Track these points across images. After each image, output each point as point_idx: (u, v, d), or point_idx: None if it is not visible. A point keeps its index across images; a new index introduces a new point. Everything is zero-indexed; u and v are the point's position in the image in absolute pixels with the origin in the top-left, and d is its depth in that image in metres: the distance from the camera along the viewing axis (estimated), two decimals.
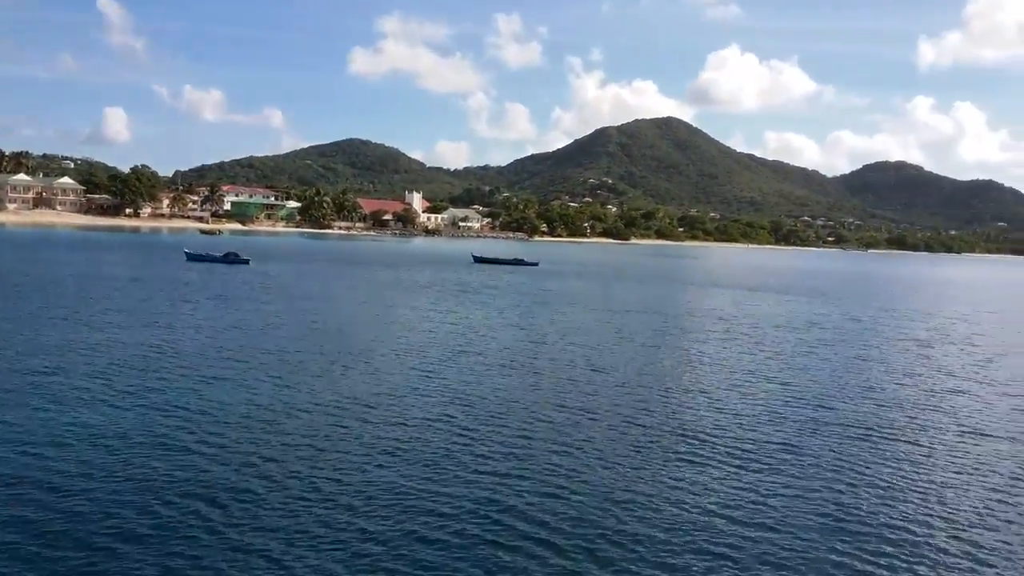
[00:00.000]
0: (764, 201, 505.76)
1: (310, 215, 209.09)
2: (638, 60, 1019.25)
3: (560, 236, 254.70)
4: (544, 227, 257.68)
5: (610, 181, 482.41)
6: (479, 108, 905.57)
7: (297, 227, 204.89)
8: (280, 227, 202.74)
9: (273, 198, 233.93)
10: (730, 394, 22.40)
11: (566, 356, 28.00)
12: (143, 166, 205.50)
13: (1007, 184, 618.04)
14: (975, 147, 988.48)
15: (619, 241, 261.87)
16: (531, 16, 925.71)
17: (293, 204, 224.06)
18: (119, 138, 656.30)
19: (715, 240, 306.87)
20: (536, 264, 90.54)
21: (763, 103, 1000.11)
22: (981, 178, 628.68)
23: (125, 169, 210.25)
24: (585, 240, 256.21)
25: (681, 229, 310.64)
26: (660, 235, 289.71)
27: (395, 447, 16.13)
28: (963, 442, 18.64)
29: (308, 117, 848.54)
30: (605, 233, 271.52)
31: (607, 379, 24.05)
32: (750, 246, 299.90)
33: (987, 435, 19.45)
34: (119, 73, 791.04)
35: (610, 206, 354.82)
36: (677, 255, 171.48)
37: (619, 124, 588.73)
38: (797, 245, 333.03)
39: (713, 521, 12.80)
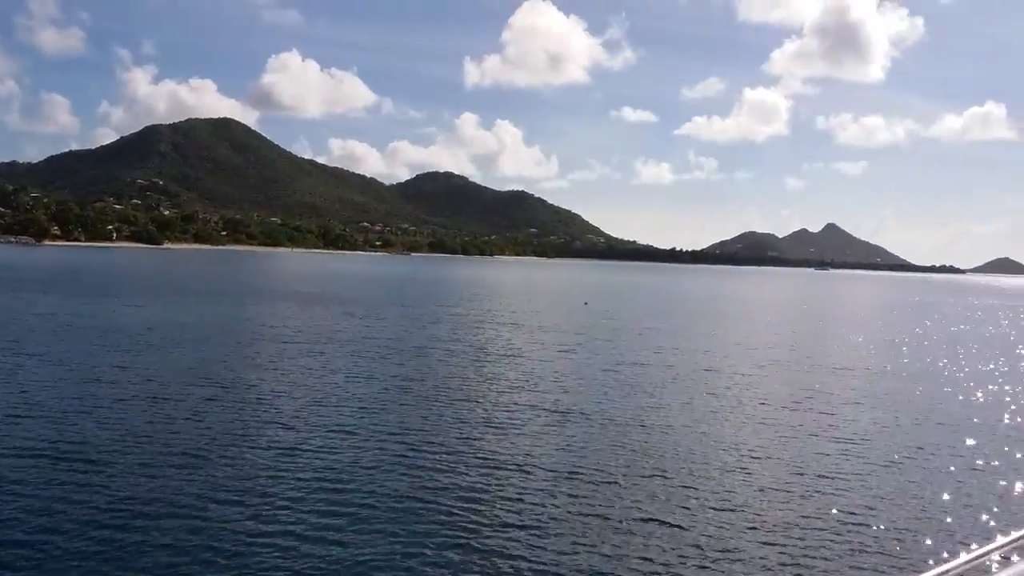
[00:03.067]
0: (326, 207, 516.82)
1: None
2: (196, 57, 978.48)
3: (78, 240, 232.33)
4: (57, 230, 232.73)
5: (161, 182, 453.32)
6: (8, 96, 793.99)
7: None
8: None
9: None
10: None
11: None
12: None
13: (537, 195, 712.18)
14: (514, 161, 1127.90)
15: (150, 246, 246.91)
16: None
17: None
18: None
19: (261, 244, 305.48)
20: None
21: (327, 110, 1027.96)
22: (517, 189, 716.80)
23: None
24: (110, 245, 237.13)
25: (224, 233, 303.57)
26: (199, 239, 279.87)
27: None
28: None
29: None
30: (134, 237, 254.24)
31: None
32: (295, 250, 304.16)
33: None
34: None
35: (163, 209, 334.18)
36: (200, 260, 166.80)
37: (172, 122, 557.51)
38: (346, 249, 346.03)
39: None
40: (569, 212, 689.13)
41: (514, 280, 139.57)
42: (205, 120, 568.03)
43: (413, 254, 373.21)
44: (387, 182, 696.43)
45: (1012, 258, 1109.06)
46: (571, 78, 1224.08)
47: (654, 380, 29.00)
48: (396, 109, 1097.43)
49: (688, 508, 14.38)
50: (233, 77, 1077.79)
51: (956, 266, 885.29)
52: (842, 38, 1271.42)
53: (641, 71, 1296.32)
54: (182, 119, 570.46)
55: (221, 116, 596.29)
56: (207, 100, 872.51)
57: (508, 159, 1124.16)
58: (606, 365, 32.35)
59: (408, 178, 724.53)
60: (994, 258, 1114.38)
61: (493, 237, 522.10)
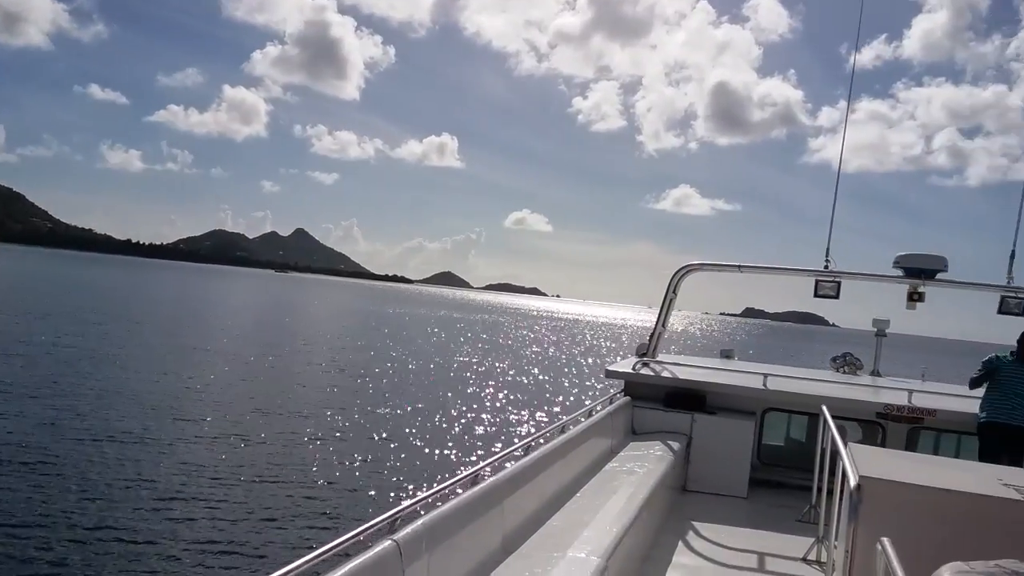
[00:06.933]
0: None
1: None
2: None
3: None
4: None
5: None
6: None
7: None
8: None
9: None
10: None
11: None
12: None
13: None
14: None
15: None
16: None
17: None
18: None
19: None
20: None
21: None
22: None
23: None
24: None
25: None
26: None
27: None
28: None
29: None
30: None
31: None
32: None
33: None
34: None
35: None
36: None
37: None
38: None
39: None
40: (10, 190, 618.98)
41: None
42: None
43: None
44: None
45: (454, 272, 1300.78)
46: (30, 41, 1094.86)
47: None
48: None
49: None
50: None
51: (407, 276, 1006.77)
52: (321, 52, 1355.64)
53: (114, 49, 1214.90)
54: None
55: None
56: None
57: None
58: None
59: None
60: (440, 271, 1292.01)
61: None
